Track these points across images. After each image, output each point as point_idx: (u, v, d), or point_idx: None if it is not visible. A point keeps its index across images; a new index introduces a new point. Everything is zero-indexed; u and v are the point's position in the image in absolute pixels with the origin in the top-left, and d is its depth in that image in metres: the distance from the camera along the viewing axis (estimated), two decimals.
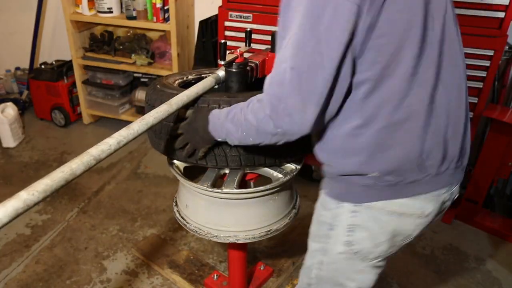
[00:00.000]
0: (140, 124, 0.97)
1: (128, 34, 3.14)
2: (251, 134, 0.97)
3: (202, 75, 1.49)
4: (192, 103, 1.17)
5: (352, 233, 1.04)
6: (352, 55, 0.86)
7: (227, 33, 2.45)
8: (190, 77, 1.50)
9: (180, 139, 1.22)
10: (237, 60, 1.25)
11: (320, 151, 1.03)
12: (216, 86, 1.28)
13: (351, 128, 0.93)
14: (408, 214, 1.00)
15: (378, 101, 0.90)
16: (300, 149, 1.30)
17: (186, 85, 1.37)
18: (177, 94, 1.12)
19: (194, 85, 1.19)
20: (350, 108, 0.92)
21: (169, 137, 1.27)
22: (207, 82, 1.23)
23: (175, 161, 1.42)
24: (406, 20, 0.86)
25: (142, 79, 3.21)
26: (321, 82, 0.84)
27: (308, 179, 2.60)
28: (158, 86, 1.31)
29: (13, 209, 0.70)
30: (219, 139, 1.10)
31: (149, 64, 3.00)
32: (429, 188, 0.99)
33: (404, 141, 0.93)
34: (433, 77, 0.92)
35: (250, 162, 1.26)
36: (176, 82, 1.43)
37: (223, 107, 1.13)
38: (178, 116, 1.24)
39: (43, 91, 3.23)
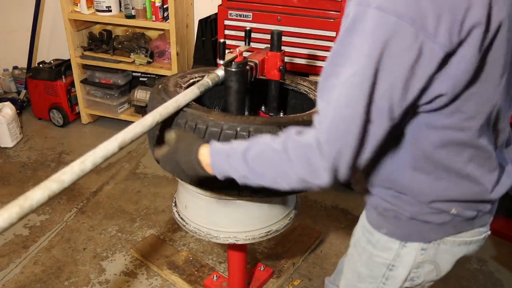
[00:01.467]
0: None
1: (127, 33, 3.12)
2: (284, 181, 0.82)
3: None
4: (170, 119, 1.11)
5: (418, 269, 0.99)
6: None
7: (227, 32, 2.43)
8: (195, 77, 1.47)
9: (161, 164, 1.07)
10: (236, 60, 1.23)
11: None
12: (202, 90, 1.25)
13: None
14: (475, 241, 0.99)
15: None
16: None
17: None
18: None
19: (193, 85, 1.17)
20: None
21: (156, 144, 1.25)
22: (193, 91, 1.20)
23: None
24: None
25: (141, 79, 3.19)
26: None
27: (346, 187, 2.54)
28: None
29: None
30: (218, 176, 0.93)
31: (148, 63, 2.99)
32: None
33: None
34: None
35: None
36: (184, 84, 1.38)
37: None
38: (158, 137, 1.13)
39: (41, 90, 3.21)
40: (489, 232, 1.03)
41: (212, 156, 0.92)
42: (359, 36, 0.71)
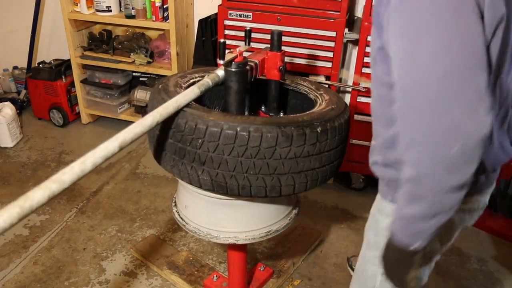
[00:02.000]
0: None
1: (127, 33, 3.12)
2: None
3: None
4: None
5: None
6: None
7: (227, 32, 2.43)
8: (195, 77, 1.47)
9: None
10: (236, 60, 1.23)
11: None
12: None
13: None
14: (473, 209, 1.06)
15: None
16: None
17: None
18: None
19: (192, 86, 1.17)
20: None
21: (156, 144, 1.25)
22: (193, 91, 1.21)
23: None
24: None
25: (141, 79, 3.19)
26: None
27: (345, 186, 2.61)
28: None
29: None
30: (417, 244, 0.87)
31: (148, 63, 2.99)
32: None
33: None
34: None
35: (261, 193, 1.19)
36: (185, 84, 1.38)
37: None
38: None
39: (41, 90, 3.21)
40: (486, 203, 1.09)
41: (397, 231, 0.89)
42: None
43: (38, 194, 0.74)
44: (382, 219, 1.07)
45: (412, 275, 0.93)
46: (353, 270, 1.96)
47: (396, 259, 0.93)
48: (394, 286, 0.98)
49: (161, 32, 3.02)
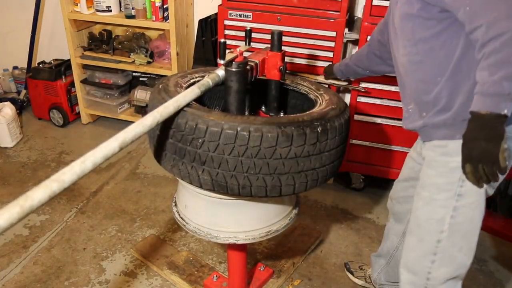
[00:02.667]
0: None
1: (127, 33, 3.12)
2: None
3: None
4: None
5: None
6: None
7: (227, 32, 2.43)
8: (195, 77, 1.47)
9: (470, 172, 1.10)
10: (236, 60, 1.23)
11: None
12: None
13: None
14: None
15: None
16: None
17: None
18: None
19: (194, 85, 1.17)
20: None
21: (156, 144, 1.25)
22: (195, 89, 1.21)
23: None
24: None
25: (141, 79, 3.19)
26: None
27: (345, 186, 2.61)
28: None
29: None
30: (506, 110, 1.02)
31: (148, 63, 2.99)
32: None
33: None
34: None
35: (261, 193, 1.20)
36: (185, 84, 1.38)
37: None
38: None
39: (41, 90, 3.21)
40: None
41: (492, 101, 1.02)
42: None
43: (38, 194, 0.74)
44: (451, 160, 1.20)
45: (502, 149, 1.03)
46: (352, 274, 1.96)
47: (486, 137, 1.02)
48: (487, 170, 1.05)
49: (161, 32, 3.02)
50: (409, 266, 1.36)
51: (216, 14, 2.52)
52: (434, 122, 1.24)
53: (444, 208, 1.23)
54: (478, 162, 1.05)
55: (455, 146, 1.15)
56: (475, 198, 1.21)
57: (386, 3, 2.08)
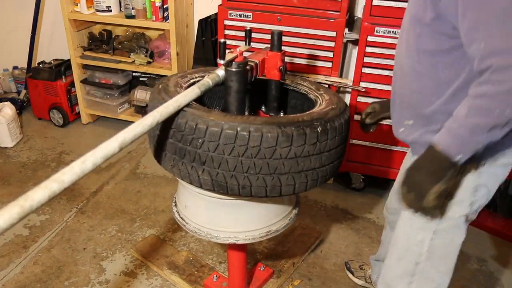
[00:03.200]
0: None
1: (127, 33, 3.12)
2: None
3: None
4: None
5: (476, 192, 1.11)
6: None
7: (227, 32, 2.43)
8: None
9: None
10: (236, 60, 1.23)
11: None
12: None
13: None
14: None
15: None
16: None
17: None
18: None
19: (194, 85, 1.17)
20: None
21: (156, 144, 1.25)
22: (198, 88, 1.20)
23: None
24: None
25: (141, 79, 3.19)
26: None
27: (345, 186, 2.61)
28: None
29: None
30: (459, 157, 0.98)
31: (148, 63, 2.99)
32: None
33: None
34: None
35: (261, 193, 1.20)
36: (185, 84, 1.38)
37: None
38: None
39: (41, 90, 3.21)
40: None
41: (444, 142, 0.99)
42: None
43: (38, 194, 0.74)
44: None
45: (435, 190, 0.99)
46: (352, 274, 1.96)
47: (428, 171, 1.00)
48: (413, 200, 1.03)
49: (161, 32, 3.02)
50: (387, 283, 1.33)
51: (216, 14, 2.52)
52: (425, 140, 1.11)
53: (424, 230, 1.19)
54: (410, 189, 1.03)
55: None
56: (455, 222, 1.17)
57: (386, 3, 2.08)
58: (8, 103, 3.04)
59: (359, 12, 2.61)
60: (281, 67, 1.36)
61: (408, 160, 1.40)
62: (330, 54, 2.31)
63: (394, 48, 2.15)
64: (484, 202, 1.16)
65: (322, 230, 2.28)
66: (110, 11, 2.91)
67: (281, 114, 1.48)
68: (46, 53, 3.52)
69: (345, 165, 2.47)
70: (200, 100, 1.36)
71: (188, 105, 1.16)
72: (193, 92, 1.17)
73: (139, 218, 2.34)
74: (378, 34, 2.14)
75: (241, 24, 2.37)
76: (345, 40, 2.30)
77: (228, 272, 1.74)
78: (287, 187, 1.18)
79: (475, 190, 1.12)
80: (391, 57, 2.16)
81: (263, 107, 1.50)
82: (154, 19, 2.79)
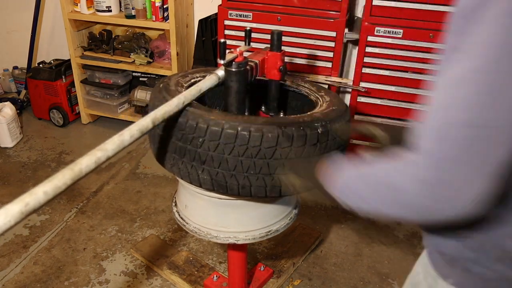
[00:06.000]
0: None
1: (127, 33, 3.12)
2: (383, 202, 0.70)
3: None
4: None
5: None
6: None
7: (227, 32, 2.44)
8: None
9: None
10: (236, 60, 1.23)
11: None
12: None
13: None
14: None
15: None
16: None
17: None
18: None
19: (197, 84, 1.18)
20: None
21: (156, 143, 1.25)
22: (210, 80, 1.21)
23: None
24: None
25: (141, 79, 3.19)
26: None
27: None
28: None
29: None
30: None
31: (148, 63, 2.99)
32: None
33: None
34: None
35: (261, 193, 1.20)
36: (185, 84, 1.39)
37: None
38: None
39: (41, 90, 3.21)
40: None
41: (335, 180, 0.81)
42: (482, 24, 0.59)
43: (39, 194, 0.74)
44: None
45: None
46: None
47: (305, 167, 0.97)
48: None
49: (161, 32, 3.02)
50: None
51: (216, 14, 2.52)
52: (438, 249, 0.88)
53: None
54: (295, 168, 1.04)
55: (443, 285, 0.85)
56: None
57: (386, 3, 2.08)
58: (8, 103, 3.04)
59: (359, 12, 2.61)
60: (281, 67, 1.36)
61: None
62: (330, 54, 2.31)
63: (394, 48, 2.16)
64: None
65: (322, 230, 2.28)
66: (110, 11, 2.91)
67: (281, 115, 1.48)
68: (46, 53, 3.52)
69: None
70: (200, 100, 1.36)
71: (189, 104, 1.16)
72: (211, 79, 1.23)
73: (139, 218, 2.34)
74: (378, 34, 2.14)
75: (241, 24, 2.37)
76: (345, 40, 2.31)
77: (228, 272, 1.74)
78: (287, 187, 1.18)
79: None
80: (391, 57, 2.16)
81: (263, 107, 1.50)
82: (154, 19, 2.79)
